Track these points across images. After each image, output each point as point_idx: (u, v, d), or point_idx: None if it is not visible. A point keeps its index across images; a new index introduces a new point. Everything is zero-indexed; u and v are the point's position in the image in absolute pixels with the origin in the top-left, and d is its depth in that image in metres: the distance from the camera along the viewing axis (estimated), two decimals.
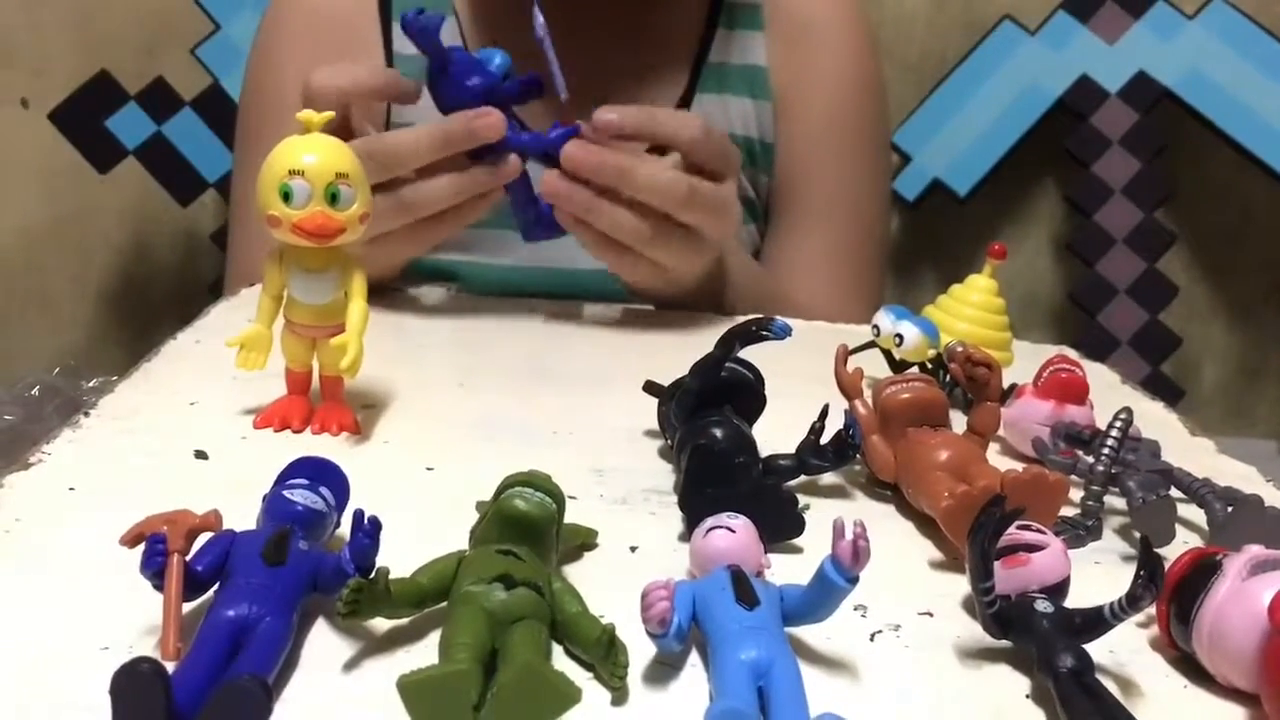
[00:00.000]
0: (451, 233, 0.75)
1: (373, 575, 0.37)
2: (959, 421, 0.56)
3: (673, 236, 0.74)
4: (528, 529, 0.41)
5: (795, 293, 0.94)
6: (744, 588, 0.39)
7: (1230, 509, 0.51)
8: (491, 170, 0.72)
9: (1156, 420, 0.68)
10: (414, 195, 0.72)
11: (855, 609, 0.43)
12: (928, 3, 1.44)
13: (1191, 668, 0.41)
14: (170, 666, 0.33)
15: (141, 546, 0.37)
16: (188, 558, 0.38)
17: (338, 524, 0.44)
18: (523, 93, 0.73)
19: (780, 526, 0.48)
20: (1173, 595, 0.41)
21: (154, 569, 0.37)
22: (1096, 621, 0.39)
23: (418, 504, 0.50)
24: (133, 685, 0.31)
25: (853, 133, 1.01)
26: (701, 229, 0.76)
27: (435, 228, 0.74)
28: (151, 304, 1.54)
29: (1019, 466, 0.50)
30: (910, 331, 0.64)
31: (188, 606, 0.37)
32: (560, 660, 0.38)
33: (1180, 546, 0.49)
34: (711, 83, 0.97)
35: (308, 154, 0.52)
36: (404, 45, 0.95)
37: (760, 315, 0.55)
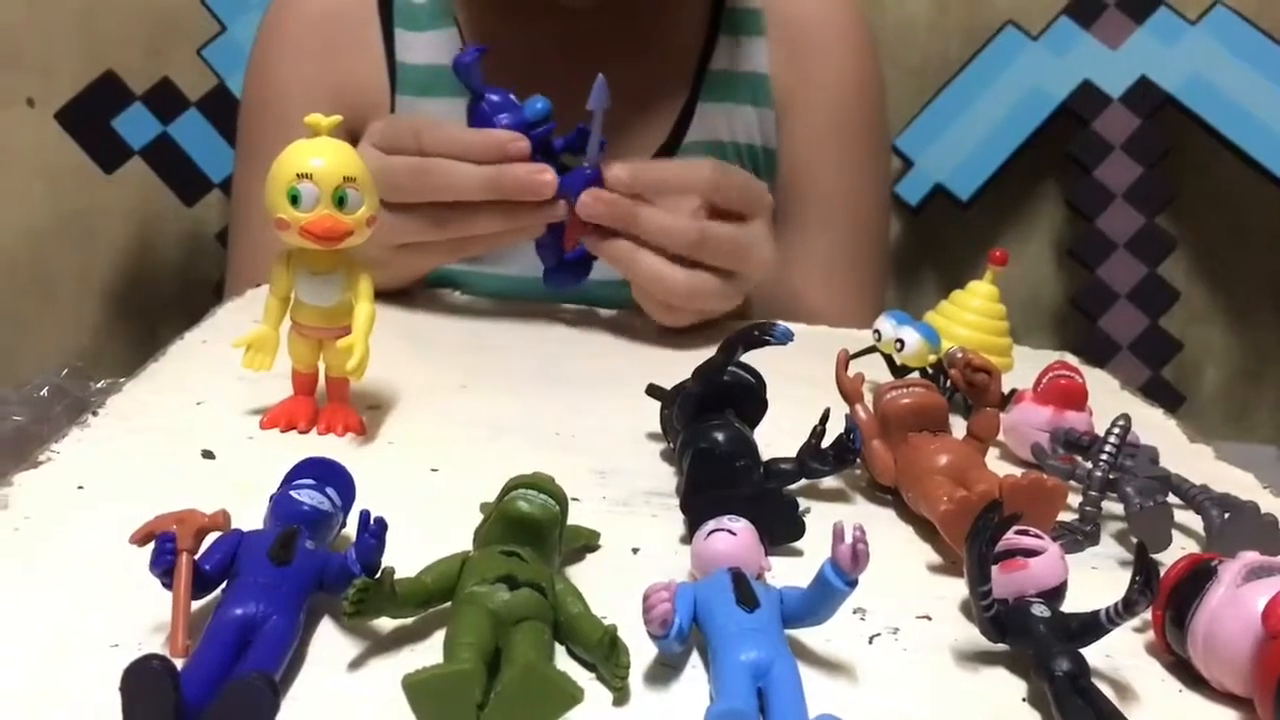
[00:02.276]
0: (484, 252, 0.77)
1: (378, 575, 0.37)
2: (959, 426, 0.56)
3: (701, 283, 0.75)
4: (531, 530, 0.41)
5: (800, 293, 0.95)
6: (744, 590, 0.39)
7: (1227, 515, 0.52)
8: (538, 212, 0.73)
9: (1155, 426, 0.69)
10: (455, 218, 0.73)
11: (854, 612, 0.44)
12: (930, 7, 1.45)
13: (1187, 672, 0.42)
14: (179, 663, 0.34)
15: (151, 545, 0.38)
16: (196, 556, 0.38)
17: (343, 524, 0.45)
18: (569, 146, 0.74)
19: (781, 529, 0.49)
20: (1168, 601, 0.42)
21: (163, 567, 0.37)
22: (1093, 626, 0.40)
23: (422, 504, 0.50)
24: (143, 682, 0.32)
25: (854, 137, 1.02)
26: (728, 268, 0.76)
27: (468, 245, 0.75)
28: (156, 303, 1.54)
29: (1018, 471, 0.51)
30: (911, 337, 0.65)
31: (196, 604, 0.38)
32: (562, 660, 0.39)
33: (1177, 552, 0.50)
34: (714, 91, 0.98)
35: (316, 157, 0.53)
36: (406, 53, 0.95)
37: (763, 320, 0.56)
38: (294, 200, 0.52)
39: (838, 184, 1.00)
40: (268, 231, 0.54)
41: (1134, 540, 0.52)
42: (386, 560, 0.39)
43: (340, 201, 0.53)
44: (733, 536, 0.42)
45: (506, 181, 0.71)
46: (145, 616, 0.39)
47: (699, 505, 0.47)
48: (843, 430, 0.52)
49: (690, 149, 0.97)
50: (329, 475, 0.45)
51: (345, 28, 0.96)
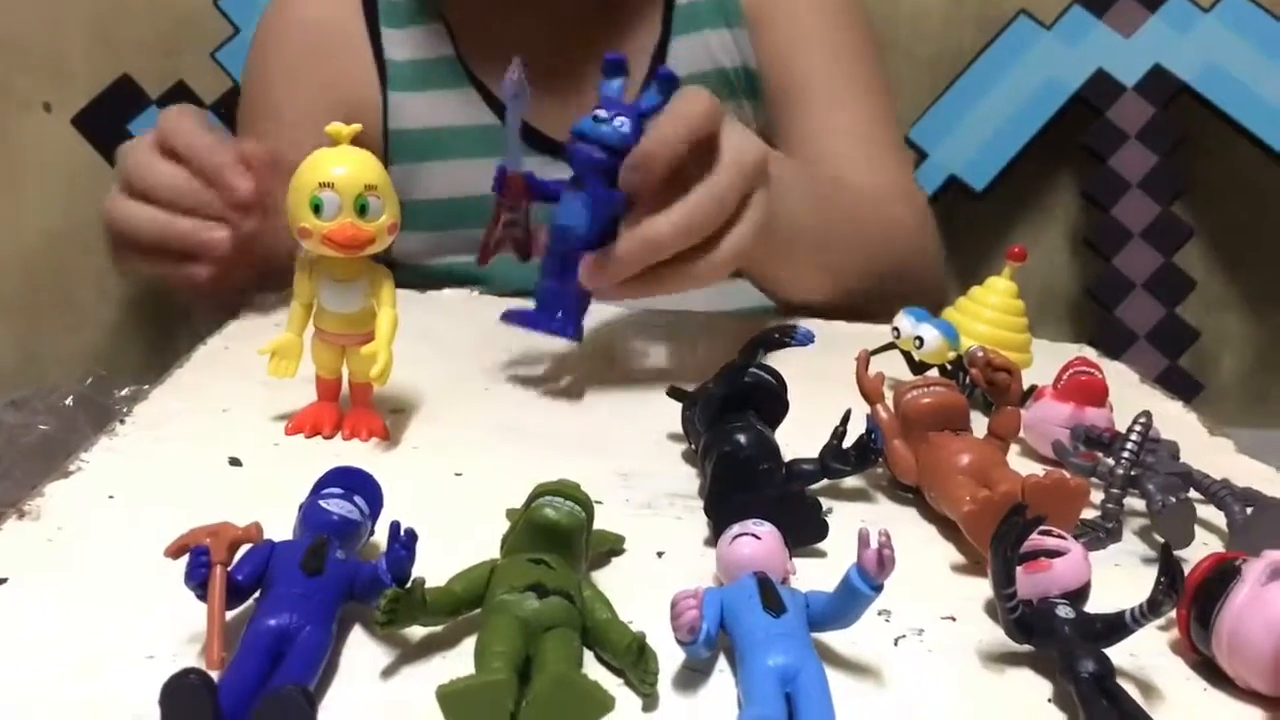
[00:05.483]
0: (196, 275, 0.74)
1: (409, 585, 0.38)
2: (979, 423, 0.56)
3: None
4: (558, 537, 0.41)
5: (842, 179, 0.93)
6: (770, 595, 0.39)
7: (1249, 511, 0.52)
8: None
9: (1175, 419, 0.69)
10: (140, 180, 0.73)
11: (879, 614, 0.44)
12: None
13: (1211, 671, 0.42)
14: (214, 675, 0.34)
15: (185, 557, 0.38)
16: (229, 568, 0.39)
17: (372, 532, 0.45)
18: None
19: (804, 531, 0.49)
20: (1193, 600, 0.42)
21: (198, 580, 0.38)
22: (1117, 626, 0.40)
23: (447, 509, 0.51)
24: (182, 696, 0.32)
25: (835, 18, 1.02)
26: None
27: (176, 262, 0.74)
28: (172, 305, 1.55)
29: (1039, 469, 0.51)
30: (930, 334, 0.65)
31: (229, 614, 0.38)
32: (591, 666, 0.39)
33: (1200, 549, 0.50)
34: (684, 23, 0.99)
35: (337, 166, 0.53)
36: (393, 50, 0.97)
37: (784, 324, 0.56)
38: (316, 209, 0.53)
39: (834, 66, 1.00)
40: (297, 239, 0.54)
41: (1157, 537, 0.52)
42: (414, 565, 0.39)
43: (362, 209, 0.53)
44: (758, 541, 0.43)
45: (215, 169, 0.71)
46: (180, 627, 0.39)
47: (723, 508, 0.48)
48: (864, 430, 0.53)
49: None
50: (357, 484, 0.45)
51: (332, 33, 0.98)
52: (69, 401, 0.67)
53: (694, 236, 0.62)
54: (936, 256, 1.02)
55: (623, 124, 0.62)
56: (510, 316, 0.67)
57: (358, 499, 0.44)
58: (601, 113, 0.62)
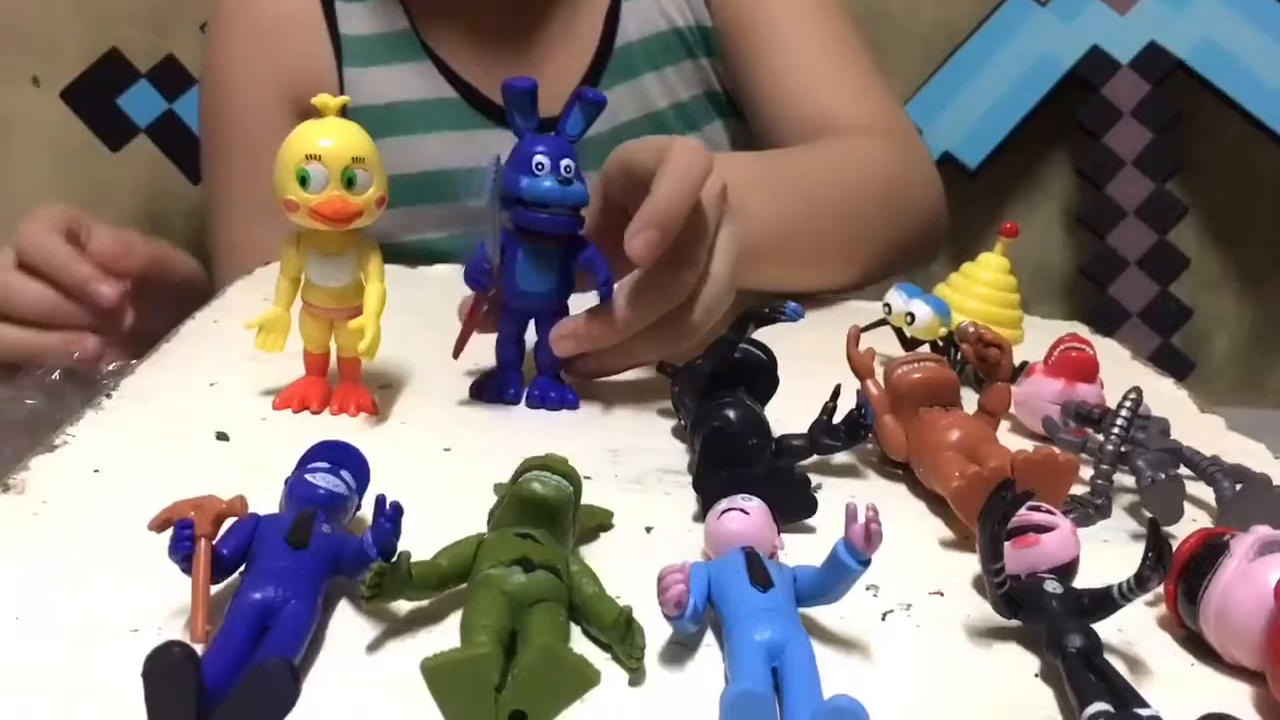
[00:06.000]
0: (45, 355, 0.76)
1: (394, 559, 0.38)
2: (970, 399, 0.56)
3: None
4: (545, 512, 0.41)
5: (832, 121, 0.92)
6: (758, 570, 0.39)
7: (1239, 487, 0.52)
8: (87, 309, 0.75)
9: (1166, 397, 0.69)
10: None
11: (867, 589, 0.44)
12: None
13: (1199, 646, 0.42)
14: (199, 649, 0.34)
15: (169, 531, 0.38)
16: (214, 542, 0.38)
17: (358, 506, 0.45)
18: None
19: (793, 507, 0.49)
20: (1181, 575, 0.42)
21: (182, 554, 0.37)
22: (1105, 602, 0.40)
23: (435, 484, 0.51)
24: (165, 669, 0.32)
25: None
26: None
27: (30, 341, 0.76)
28: None
29: (1029, 445, 0.51)
30: (922, 310, 0.65)
31: (214, 589, 0.38)
32: (578, 641, 0.39)
33: (1189, 525, 0.50)
34: None
35: (324, 139, 0.53)
36: (349, 25, 0.97)
37: (772, 300, 0.55)
38: (303, 182, 0.52)
39: (795, 6, 0.98)
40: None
41: (1146, 513, 0.52)
42: (398, 539, 0.39)
43: (349, 182, 0.53)
44: (746, 516, 0.43)
45: (76, 279, 0.75)
46: (164, 600, 0.39)
47: (712, 484, 0.48)
48: (854, 406, 0.52)
49: (625, 51, 0.98)
50: (343, 458, 0.45)
51: (285, 12, 0.98)
52: (56, 376, 0.67)
53: (675, 300, 0.59)
54: (932, 186, 0.98)
55: (569, 167, 0.57)
56: (485, 392, 0.61)
57: (344, 473, 0.44)
58: (544, 164, 0.56)
